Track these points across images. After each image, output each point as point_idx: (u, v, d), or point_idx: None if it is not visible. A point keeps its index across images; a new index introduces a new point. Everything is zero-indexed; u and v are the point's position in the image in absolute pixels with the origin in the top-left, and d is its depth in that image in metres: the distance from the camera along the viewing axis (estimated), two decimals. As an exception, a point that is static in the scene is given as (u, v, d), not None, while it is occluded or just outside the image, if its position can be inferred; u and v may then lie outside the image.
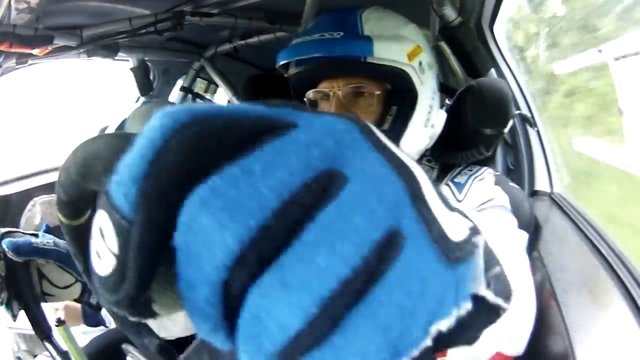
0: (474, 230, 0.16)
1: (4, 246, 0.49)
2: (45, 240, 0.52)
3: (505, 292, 0.18)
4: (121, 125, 1.14)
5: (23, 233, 0.54)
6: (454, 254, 0.14)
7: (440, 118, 0.74)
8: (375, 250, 0.12)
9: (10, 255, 0.49)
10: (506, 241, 0.44)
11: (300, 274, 0.12)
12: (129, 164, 0.13)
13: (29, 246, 0.51)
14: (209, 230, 0.12)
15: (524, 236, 0.54)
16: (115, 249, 0.14)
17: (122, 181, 0.13)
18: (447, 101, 0.79)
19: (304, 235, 0.12)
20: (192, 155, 0.13)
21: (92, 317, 1.17)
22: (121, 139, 0.23)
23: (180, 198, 0.13)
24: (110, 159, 0.22)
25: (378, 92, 0.65)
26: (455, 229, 0.15)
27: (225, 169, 0.13)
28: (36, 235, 0.53)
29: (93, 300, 0.56)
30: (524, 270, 0.34)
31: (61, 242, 0.54)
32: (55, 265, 0.53)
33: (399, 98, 0.66)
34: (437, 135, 0.73)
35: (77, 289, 0.55)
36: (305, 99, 0.71)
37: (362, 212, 0.13)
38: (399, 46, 0.65)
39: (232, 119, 0.14)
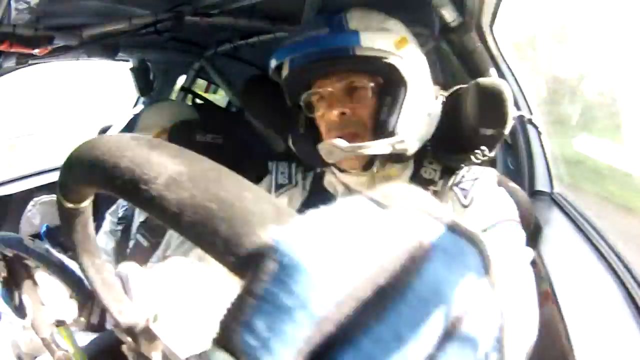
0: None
1: None
2: (39, 244, 0.51)
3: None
4: (131, 124, 1.14)
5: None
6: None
7: (436, 107, 0.74)
8: None
9: (0, 249, 0.49)
10: (515, 269, 0.46)
11: None
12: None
13: (18, 241, 0.50)
14: None
15: (530, 254, 0.55)
16: None
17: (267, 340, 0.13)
18: (441, 92, 0.79)
19: None
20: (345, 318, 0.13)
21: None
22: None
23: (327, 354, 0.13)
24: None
25: (371, 85, 0.67)
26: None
27: (375, 328, 0.13)
28: (33, 240, 0.53)
29: (93, 320, 0.54)
30: (531, 300, 0.36)
31: (54, 252, 0.52)
32: (51, 276, 0.51)
33: (391, 88, 0.67)
34: (435, 125, 0.73)
35: (74, 304, 0.53)
36: (301, 104, 0.71)
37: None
38: (386, 36, 0.66)
39: (379, 266, 0.14)
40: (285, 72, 0.72)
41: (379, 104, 0.67)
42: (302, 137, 0.74)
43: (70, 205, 0.32)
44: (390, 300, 0.13)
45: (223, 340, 0.14)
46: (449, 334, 0.14)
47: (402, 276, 0.14)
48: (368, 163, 0.70)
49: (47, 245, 0.52)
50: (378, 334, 0.13)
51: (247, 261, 0.15)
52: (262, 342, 0.13)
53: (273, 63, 0.71)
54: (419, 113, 0.69)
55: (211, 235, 0.17)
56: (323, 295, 0.13)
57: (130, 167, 0.22)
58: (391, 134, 0.66)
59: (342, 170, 0.73)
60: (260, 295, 0.14)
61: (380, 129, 0.66)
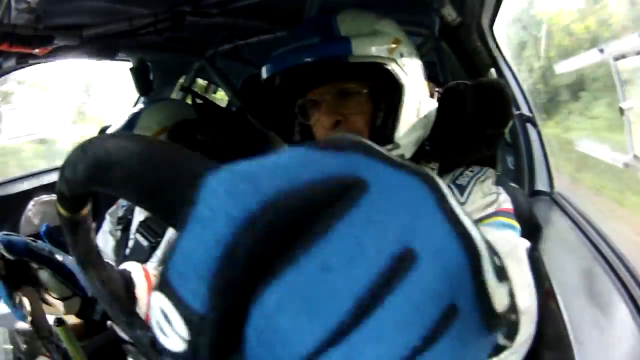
0: (512, 297, 0.17)
1: None
2: (42, 246, 0.51)
3: (512, 334, 0.20)
4: (129, 124, 1.14)
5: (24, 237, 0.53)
6: (496, 325, 0.15)
7: (432, 107, 0.74)
8: (433, 324, 0.13)
9: (2, 251, 0.48)
10: (515, 262, 0.45)
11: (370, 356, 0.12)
12: (194, 259, 0.13)
13: (22, 245, 0.49)
14: (286, 329, 0.12)
15: (526, 244, 0.55)
16: (185, 336, 0.14)
17: (187, 276, 0.13)
18: (436, 89, 0.78)
19: (373, 320, 0.13)
20: (265, 247, 0.13)
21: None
22: (135, 141, 0.24)
23: (252, 289, 0.13)
24: (125, 164, 0.23)
25: (365, 91, 0.66)
26: (500, 300, 0.16)
27: (300, 259, 0.13)
28: (35, 240, 0.52)
29: (96, 317, 0.53)
30: (530, 290, 0.36)
31: (58, 251, 0.52)
32: (53, 277, 0.51)
33: (385, 93, 0.66)
34: (431, 125, 0.73)
35: (76, 303, 0.52)
36: (295, 110, 0.71)
37: (427, 293, 0.13)
38: (378, 41, 0.65)
39: (302, 193, 0.13)
40: (277, 81, 0.71)
41: (375, 110, 0.66)
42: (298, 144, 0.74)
43: (69, 214, 0.32)
44: (317, 231, 0.13)
45: (158, 284, 0.14)
46: (392, 273, 0.13)
47: (333, 208, 0.13)
48: None
49: (48, 246, 0.52)
50: (304, 266, 0.13)
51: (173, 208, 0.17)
52: (180, 277, 0.13)
53: (264, 74, 0.69)
54: (415, 116, 0.68)
55: (149, 193, 0.21)
56: (240, 204, 0.13)
57: (102, 156, 0.24)
58: (388, 141, 0.65)
59: None
60: (180, 233, 0.14)
61: (377, 136, 0.66)
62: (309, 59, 0.63)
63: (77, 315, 0.52)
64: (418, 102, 0.68)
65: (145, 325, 0.44)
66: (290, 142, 0.77)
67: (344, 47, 0.62)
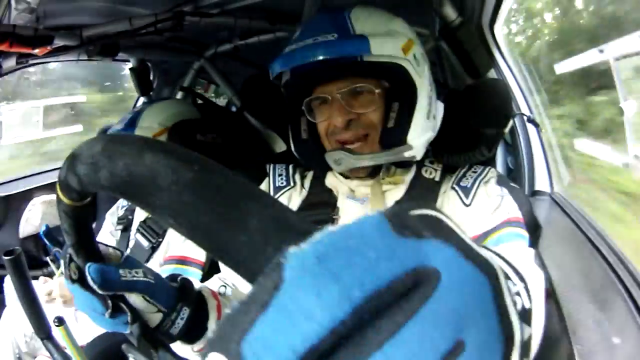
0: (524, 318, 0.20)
1: (88, 274, 0.40)
2: (135, 270, 0.45)
3: (526, 354, 0.21)
4: (131, 123, 1.14)
5: (109, 247, 0.46)
6: (513, 351, 0.17)
7: (439, 109, 0.74)
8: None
9: (94, 287, 0.41)
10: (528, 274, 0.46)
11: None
12: (276, 349, 0.13)
13: (117, 280, 0.43)
14: None
15: (532, 255, 0.56)
16: None
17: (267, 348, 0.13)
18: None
19: None
20: (343, 346, 0.13)
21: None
22: (182, 163, 0.23)
23: None
24: (175, 193, 0.22)
25: (378, 90, 0.65)
26: (516, 326, 0.17)
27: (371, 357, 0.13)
28: (121, 263, 0.45)
29: (174, 331, 0.49)
30: (541, 307, 0.37)
31: (150, 272, 0.47)
32: (140, 297, 0.46)
33: (399, 93, 0.65)
34: (438, 127, 0.73)
35: (157, 317, 0.48)
36: (303, 108, 0.70)
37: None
38: (394, 41, 0.64)
39: (385, 293, 0.14)
40: (286, 77, 0.69)
41: (387, 109, 0.65)
42: (305, 143, 0.72)
43: (71, 202, 0.32)
44: (389, 329, 0.13)
45: (221, 345, 0.14)
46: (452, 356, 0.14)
47: (407, 303, 0.14)
48: (374, 170, 0.69)
49: (136, 264, 0.47)
50: (387, 352, 0.13)
51: (260, 271, 0.16)
52: (262, 349, 0.13)
53: (277, 69, 0.67)
54: (427, 118, 0.67)
55: (227, 248, 0.19)
56: (329, 308, 0.13)
57: (141, 173, 0.23)
58: (401, 141, 0.64)
59: (346, 177, 0.71)
60: (266, 302, 0.14)
61: (390, 137, 0.65)
62: (326, 56, 0.61)
63: (155, 328, 0.48)
64: (429, 103, 0.68)
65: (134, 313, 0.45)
66: (289, 142, 0.77)
67: (362, 46, 0.61)
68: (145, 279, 0.46)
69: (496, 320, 0.16)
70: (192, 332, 0.51)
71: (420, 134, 0.66)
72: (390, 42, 0.64)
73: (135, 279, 0.45)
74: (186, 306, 0.50)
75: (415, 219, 0.16)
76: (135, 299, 0.46)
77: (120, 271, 0.44)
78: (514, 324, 0.17)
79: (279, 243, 0.17)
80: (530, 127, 1.05)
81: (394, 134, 0.64)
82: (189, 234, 0.22)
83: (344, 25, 0.65)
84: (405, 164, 0.70)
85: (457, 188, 0.67)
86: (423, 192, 0.69)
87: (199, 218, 0.21)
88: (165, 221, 0.22)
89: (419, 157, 0.68)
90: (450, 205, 0.66)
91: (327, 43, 0.62)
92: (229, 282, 0.67)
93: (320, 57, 0.61)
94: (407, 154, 0.66)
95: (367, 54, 0.61)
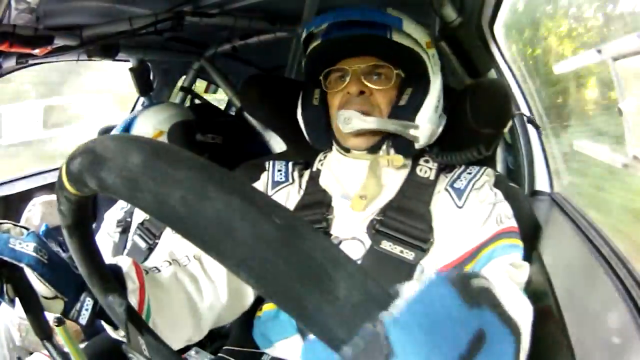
0: None
1: None
2: (25, 243, 0.45)
3: None
4: (128, 126, 1.14)
5: (18, 226, 0.48)
6: None
7: (444, 119, 0.75)
8: None
9: None
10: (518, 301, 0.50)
11: None
12: None
13: (3, 246, 0.43)
14: None
15: (527, 270, 0.59)
16: None
17: None
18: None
19: None
20: None
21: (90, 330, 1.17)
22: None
23: None
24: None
25: (397, 72, 0.69)
26: None
27: None
28: (19, 234, 0.47)
29: (82, 320, 0.48)
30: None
31: (50, 248, 0.47)
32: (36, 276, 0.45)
33: (413, 82, 0.69)
34: (440, 130, 0.73)
35: (57, 304, 0.48)
36: (320, 78, 0.73)
37: None
38: (423, 32, 0.70)
39: (464, 354, 0.18)
40: (316, 41, 0.72)
41: (399, 94, 0.69)
42: (314, 110, 0.75)
43: (75, 192, 0.31)
44: None
45: None
46: None
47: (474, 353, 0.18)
48: (376, 145, 0.70)
49: (36, 241, 0.46)
50: None
51: (346, 339, 0.18)
52: None
53: (309, 29, 0.72)
54: (434, 111, 0.70)
55: (312, 315, 0.20)
56: None
57: (209, 216, 0.21)
58: (410, 119, 0.68)
59: (347, 150, 0.73)
60: None
61: (400, 112, 0.68)
62: (364, 19, 0.67)
63: (62, 314, 0.50)
64: (438, 100, 0.71)
65: (119, 292, 0.44)
66: (289, 141, 0.77)
67: (395, 21, 0.67)
68: (36, 255, 0.45)
69: None
70: (110, 319, 0.48)
71: (428, 120, 0.69)
72: (421, 31, 0.69)
73: (24, 251, 0.44)
74: (90, 297, 0.48)
75: (474, 290, 0.20)
76: (31, 277, 0.45)
77: (11, 239, 0.44)
78: None
79: (366, 313, 0.19)
80: (531, 127, 1.05)
81: (405, 110, 0.68)
82: (267, 293, 0.21)
83: (378, 8, 0.70)
84: (404, 150, 0.71)
85: (450, 190, 0.68)
86: (417, 190, 0.69)
87: (282, 281, 0.20)
88: (237, 273, 0.21)
89: (421, 143, 0.69)
90: (442, 206, 0.67)
91: (364, 8, 0.68)
92: (190, 255, 0.66)
93: (359, 18, 0.67)
94: (413, 132, 0.67)
95: (400, 28, 0.67)
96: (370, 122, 0.67)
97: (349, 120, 0.67)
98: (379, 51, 0.69)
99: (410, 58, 0.69)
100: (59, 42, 0.99)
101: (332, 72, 0.72)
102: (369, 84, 0.69)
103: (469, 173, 0.69)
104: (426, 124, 0.68)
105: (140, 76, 1.59)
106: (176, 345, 0.60)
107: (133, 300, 0.52)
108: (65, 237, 0.38)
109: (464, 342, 0.18)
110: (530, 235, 0.73)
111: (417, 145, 0.69)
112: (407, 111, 0.68)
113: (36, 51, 0.92)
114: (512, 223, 0.63)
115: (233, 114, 2.06)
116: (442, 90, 0.73)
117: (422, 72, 0.69)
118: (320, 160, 0.79)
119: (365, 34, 0.68)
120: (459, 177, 0.69)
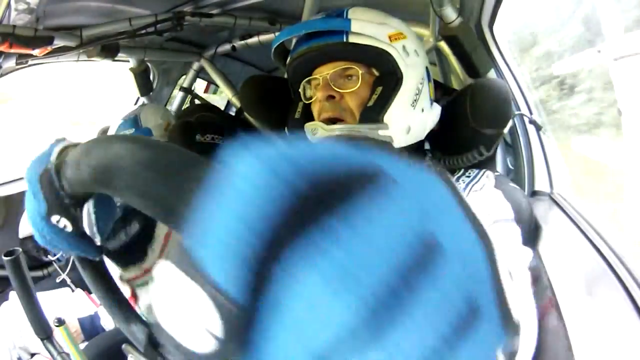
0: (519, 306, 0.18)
1: None
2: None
3: (512, 354, 0.21)
4: (133, 125, 1.14)
5: None
6: (511, 328, 0.16)
7: (434, 111, 0.73)
8: (461, 318, 0.13)
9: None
10: (513, 267, 0.46)
11: (403, 345, 0.12)
12: (233, 236, 0.12)
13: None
14: (323, 300, 0.12)
15: (528, 254, 0.55)
16: (219, 333, 0.13)
17: (225, 257, 0.12)
18: (445, 97, 0.79)
19: (409, 310, 0.12)
20: (299, 216, 0.13)
21: (90, 330, 1.17)
22: (142, 146, 0.24)
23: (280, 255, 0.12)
24: (135, 171, 0.23)
25: (362, 72, 0.68)
26: (514, 306, 0.16)
27: (341, 234, 0.12)
28: None
29: (110, 244, 0.43)
30: (528, 299, 0.36)
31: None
32: None
33: (384, 79, 0.68)
34: (431, 126, 0.73)
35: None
36: (300, 91, 0.74)
37: (454, 288, 0.13)
38: (379, 27, 0.68)
39: (330, 168, 0.14)
40: (288, 63, 0.74)
41: (370, 93, 0.68)
42: (296, 122, 0.76)
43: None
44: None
45: (186, 267, 0.14)
46: (422, 258, 0.13)
47: (363, 191, 0.13)
48: None
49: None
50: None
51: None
52: (216, 260, 0.13)
53: (277, 41, 0.75)
54: (410, 105, 0.68)
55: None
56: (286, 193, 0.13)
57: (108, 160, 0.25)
58: (377, 120, 0.66)
59: None
60: (210, 212, 0.14)
61: (368, 114, 0.67)
62: (311, 29, 0.68)
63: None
64: (416, 94, 0.69)
65: (140, 319, 0.43)
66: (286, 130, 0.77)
67: (343, 23, 0.67)
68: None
69: (470, 225, 0.15)
70: (129, 255, 0.44)
71: (400, 117, 0.67)
72: (375, 27, 0.67)
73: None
74: (137, 221, 0.43)
75: (368, 143, 0.16)
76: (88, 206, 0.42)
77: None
78: (487, 231, 0.16)
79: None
80: (530, 127, 1.05)
81: (372, 111, 0.67)
82: (145, 204, 0.23)
83: (340, 13, 0.71)
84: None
85: None
86: None
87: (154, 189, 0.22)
88: (126, 198, 0.24)
89: (397, 143, 0.68)
90: None
91: (314, 20, 0.70)
92: None
93: (305, 31, 0.69)
94: (382, 133, 0.66)
95: (347, 29, 0.66)
96: (335, 130, 0.66)
97: (315, 131, 0.68)
98: (344, 55, 0.69)
99: (375, 56, 0.67)
100: (58, 42, 0.99)
101: (310, 82, 0.73)
102: (337, 88, 0.68)
103: (468, 176, 0.69)
104: (398, 121, 0.66)
105: (140, 76, 1.59)
106: None
107: (158, 244, 0.51)
108: (80, 271, 0.38)
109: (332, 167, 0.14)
110: (530, 235, 0.73)
111: (396, 144, 0.68)
112: (374, 111, 0.66)
113: (36, 51, 0.92)
114: (512, 216, 0.61)
115: (233, 114, 2.06)
116: (427, 80, 0.71)
117: (392, 67, 0.67)
118: None
119: (325, 43, 0.68)
120: (457, 180, 0.69)
